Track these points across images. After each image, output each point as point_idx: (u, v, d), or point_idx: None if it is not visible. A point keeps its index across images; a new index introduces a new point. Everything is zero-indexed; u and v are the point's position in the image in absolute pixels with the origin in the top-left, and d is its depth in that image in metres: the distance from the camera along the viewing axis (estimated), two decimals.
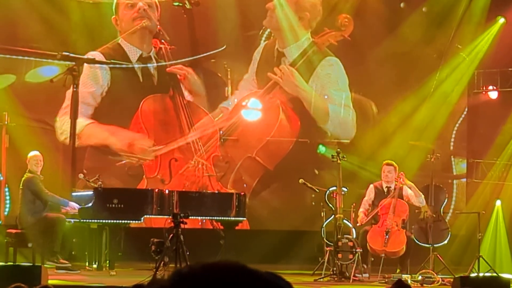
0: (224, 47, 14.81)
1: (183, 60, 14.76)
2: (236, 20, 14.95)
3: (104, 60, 14.31)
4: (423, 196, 12.13)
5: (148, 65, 14.75)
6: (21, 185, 11.68)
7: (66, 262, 11.35)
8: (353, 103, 14.91)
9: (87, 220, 11.48)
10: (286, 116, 14.72)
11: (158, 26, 14.65)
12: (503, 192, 13.86)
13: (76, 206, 11.48)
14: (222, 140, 14.48)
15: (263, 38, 15.14)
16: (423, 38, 14.66)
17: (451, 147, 14.87)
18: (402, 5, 15.07)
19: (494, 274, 11.90)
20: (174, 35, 14.88)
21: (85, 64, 13.85)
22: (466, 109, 14.72)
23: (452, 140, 14.83)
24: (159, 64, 14.69)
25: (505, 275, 11.58)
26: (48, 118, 14.04)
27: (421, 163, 13.57)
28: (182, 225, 9.98)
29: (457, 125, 14.77)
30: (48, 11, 14.14)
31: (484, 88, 14.31)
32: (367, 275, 11.66)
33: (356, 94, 14.97)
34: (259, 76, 14.96)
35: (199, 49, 14.96)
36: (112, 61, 14.42)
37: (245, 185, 12.90)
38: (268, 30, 15.12)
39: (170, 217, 10.19)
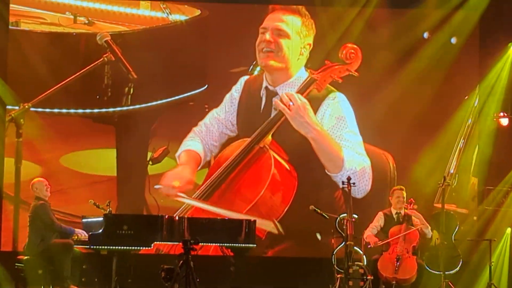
0: (206, 86, 13.12)
1: (157, 102, 12.97)
2: (220, 55, 13.09)
3: None
4: (429, 227, 12.08)
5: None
6: (30, 212, 11.67)
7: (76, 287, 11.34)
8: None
9: (97, 247, 11.46)
10: (280, 170, 12.29)
11: (123, 59, 12.58)
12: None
13: (83, 233, 11.47)
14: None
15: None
16: (449, 73, 13.15)
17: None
18: (425, 35, 13.20)
19: None
20: (146, 71, 12.74)
21: None
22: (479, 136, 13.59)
23: None
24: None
25: None
26: None
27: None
28: (192, 252, 9.96)
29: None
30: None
31: (495, 115, 14.24)
32: None
33: (367, 144, 12.76)
34: (241, 121, 12.66)
35: (175, 89, 13.05)
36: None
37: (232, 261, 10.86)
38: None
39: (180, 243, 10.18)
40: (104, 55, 12.51)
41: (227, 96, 13.05)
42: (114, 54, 12.50)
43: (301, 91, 12.35)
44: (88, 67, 12.39)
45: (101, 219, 11.47)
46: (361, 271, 11.33)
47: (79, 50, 12.99)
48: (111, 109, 13.04)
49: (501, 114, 14.06)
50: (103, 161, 13.30)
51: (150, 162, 13.35)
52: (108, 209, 11.58)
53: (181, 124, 13.06)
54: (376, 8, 13.34)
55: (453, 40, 13.44)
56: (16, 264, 11.46)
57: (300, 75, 12.60)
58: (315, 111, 12.36)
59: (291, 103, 11.92)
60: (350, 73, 12.44)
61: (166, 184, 12.72)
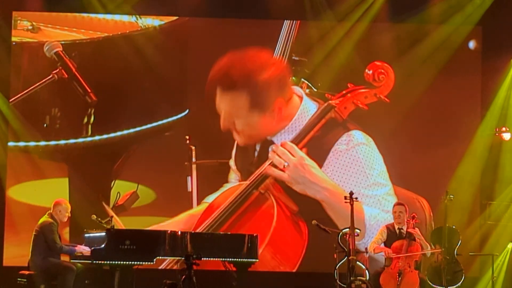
0: (187, 112, 10.90)
1: (123, 132, 10.62)
2: (205, 71, 10.66)
3: None
4: (429, 247, 12.08)
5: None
6: (36, 227, 11.64)
7: None
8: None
9: (100, 262, 11.45)
10: (285, 224, 10.03)
11: (78, 75, 9.87)
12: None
13: (85, 249, 11.46)
14: None
15: None
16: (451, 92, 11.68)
17: None
18: (471, 44, 11.21)
19: None
20: (109, 92, 10.25)
21: None
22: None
23: None
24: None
25: None
26: None
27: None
28: (194, 267, 9.96)
29: None
30: None
31: (497, 130, 14.24)
32: None
33: (398, 187, 10.72)
34: (240, 163, 10.50)
35: (147, 115, 10.55)
36: None
37: None
38: None
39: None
40: (54, 72, 10.01)
41: None
42: (67, 70, 9.96)
43: (314, 122, 9.89)
44: (32, 88, 9.77)
45: (103, 234, 11.47)
46: (364, 286, 11.32)
47: (20, 65, 10.72)
48: (62, 142, 10.84)
49: (504, 129, 14.10)
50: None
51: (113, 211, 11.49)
52: (110, 224, 11.60)
53: (154, 160, 10.95)
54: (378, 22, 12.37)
55: (472, 45, 11.61)
56: (18, 279, 11.47)
57: (303, 110, 10.02)
58: (323, 156, 9.98)
59: (285, 163, 9.76)
60: (380, 99, 10.08)
61: None
